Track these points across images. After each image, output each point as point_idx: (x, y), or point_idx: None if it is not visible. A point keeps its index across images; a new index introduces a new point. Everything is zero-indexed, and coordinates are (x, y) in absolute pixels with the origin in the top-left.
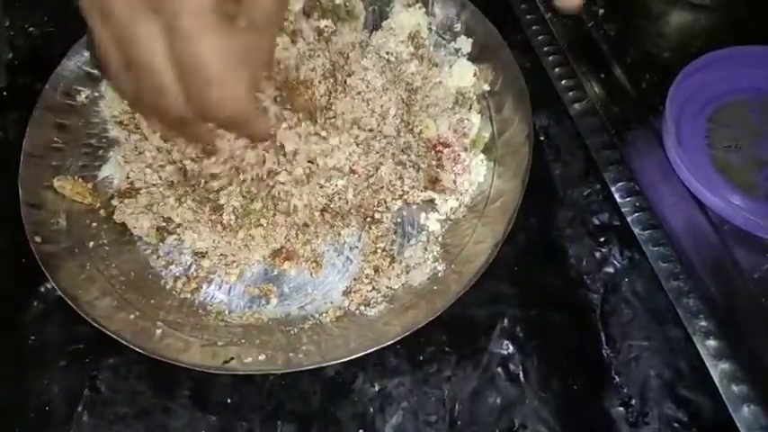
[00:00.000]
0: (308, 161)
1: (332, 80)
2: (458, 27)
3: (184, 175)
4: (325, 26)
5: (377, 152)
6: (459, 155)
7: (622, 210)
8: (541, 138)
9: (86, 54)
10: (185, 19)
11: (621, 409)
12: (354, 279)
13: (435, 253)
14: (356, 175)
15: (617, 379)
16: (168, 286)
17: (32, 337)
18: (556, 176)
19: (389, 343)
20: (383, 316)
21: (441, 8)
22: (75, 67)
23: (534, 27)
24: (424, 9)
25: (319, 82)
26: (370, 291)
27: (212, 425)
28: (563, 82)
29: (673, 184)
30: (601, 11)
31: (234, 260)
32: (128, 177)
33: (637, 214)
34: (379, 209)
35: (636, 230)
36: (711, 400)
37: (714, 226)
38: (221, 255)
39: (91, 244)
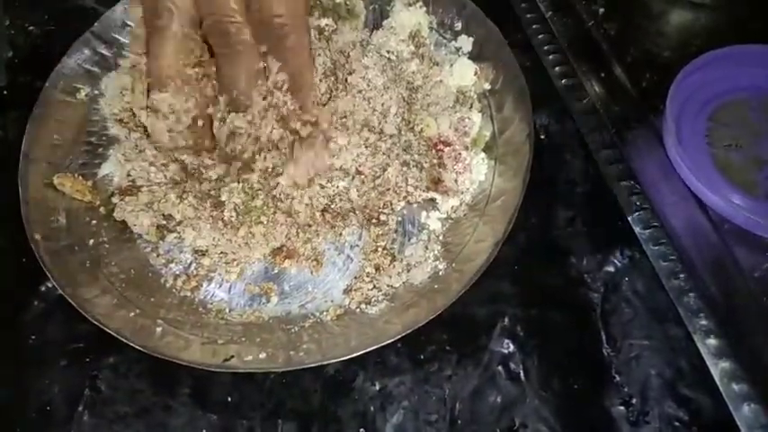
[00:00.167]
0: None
1: (333, 79)
2: (458, 26)
3: (185, 171)
4: (326, 25)
5: (383, 153)
6: (459, 153)
7: (623, 208)
8: (542, 136)
9: (87, 52)
10: None
11: (622, 408)
12: (355, 277)
13: (436, 251)
14: (362, 177)
15: (617, 378)
16: (168, 284)
17: (33, 337)
18: (556, 175)
19: (390, 341)
20: (384, 314)
21: (441, 7)
22: (75, 65)
23: (534, 26)
24: (424, 8)
25: (320, 80)
26: (371, 289)
27: (213, 423)
28: (563, 81)
29: (673, 183)
30: (601, 10)
31: (234, 258)
32: (128, 175)
33: (637, 213)
34: (385, 210)
35: (636, 229)
36: (712, 399)
37: (714, 225)
38: (221, 253)
39: (91, 242)
